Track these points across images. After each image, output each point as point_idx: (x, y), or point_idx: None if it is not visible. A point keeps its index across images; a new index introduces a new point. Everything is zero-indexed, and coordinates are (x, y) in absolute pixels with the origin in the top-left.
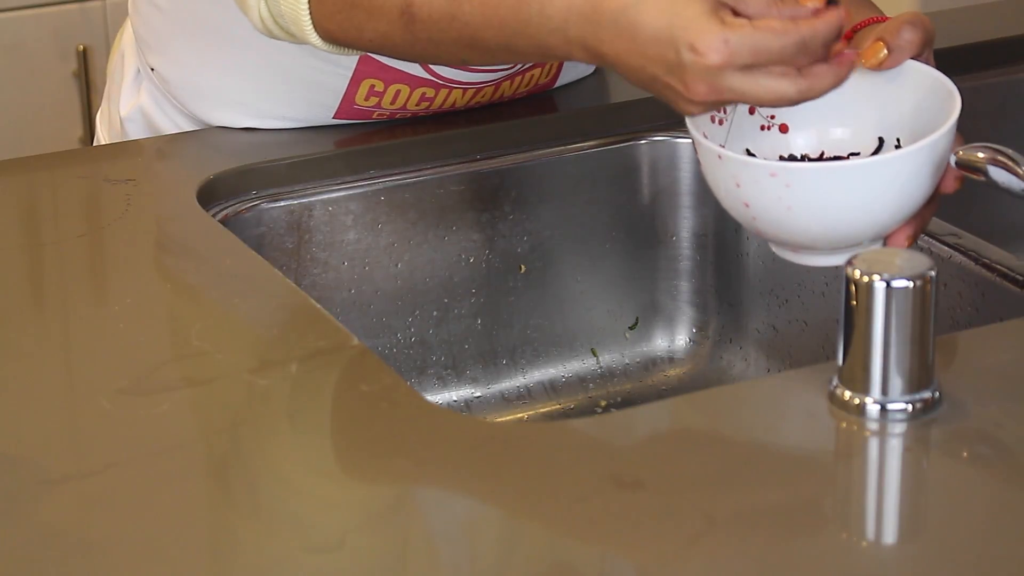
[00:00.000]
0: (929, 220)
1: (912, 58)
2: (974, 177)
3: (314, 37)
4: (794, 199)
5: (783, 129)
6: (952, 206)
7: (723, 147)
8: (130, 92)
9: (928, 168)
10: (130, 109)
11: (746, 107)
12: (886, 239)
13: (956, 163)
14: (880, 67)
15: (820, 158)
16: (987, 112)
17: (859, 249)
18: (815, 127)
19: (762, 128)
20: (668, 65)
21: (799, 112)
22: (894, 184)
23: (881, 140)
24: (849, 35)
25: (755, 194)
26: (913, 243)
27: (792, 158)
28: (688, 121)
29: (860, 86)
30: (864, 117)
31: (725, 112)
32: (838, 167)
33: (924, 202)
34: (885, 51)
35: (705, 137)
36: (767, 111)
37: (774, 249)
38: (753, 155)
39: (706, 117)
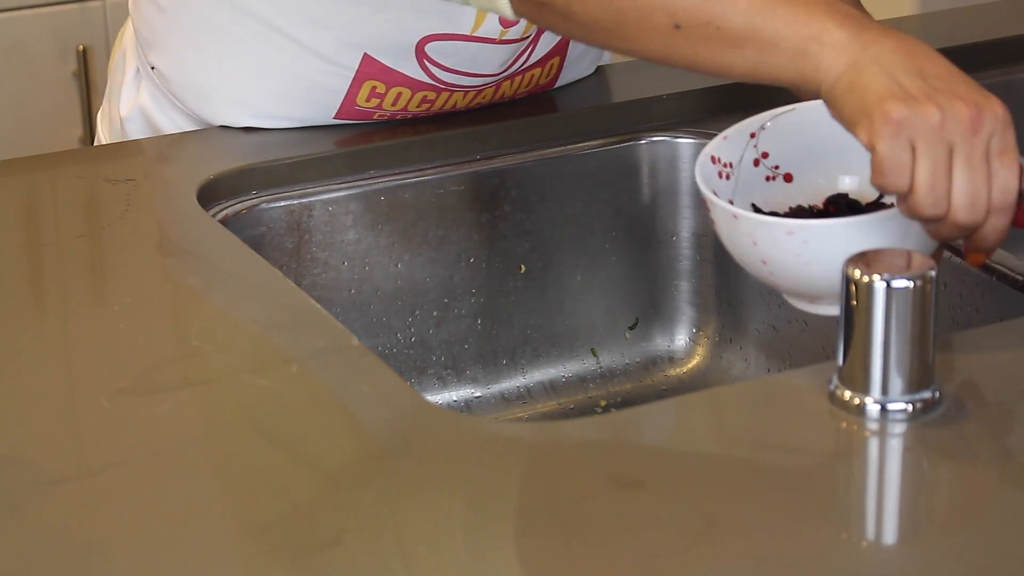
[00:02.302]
0: (940, 262)
1: None
2: None
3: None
4: (812, 255)
5: (788, 178)
6: None
7: (732, 202)
8: (130, 91)
9: None
10: (130, 108)
11: (751, 159)
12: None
13: None
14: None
15: (825, 208)
16: None
17: None
18: (821, 176)
19: (767, 179)
20: (944, 82)
21: (804, 160)
22: (907, 233)
23: None
24: None
25: (773, 252)
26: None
27: (800, 209)
28: (698, 176)
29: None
30: (867, 165)
31: (731, 167)
32: (855, 222)
33: (934, 248)
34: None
35: (716, 195)
36: (771, 162)
37: (790, 300)
38: (760, 209)
39: (714, 173)
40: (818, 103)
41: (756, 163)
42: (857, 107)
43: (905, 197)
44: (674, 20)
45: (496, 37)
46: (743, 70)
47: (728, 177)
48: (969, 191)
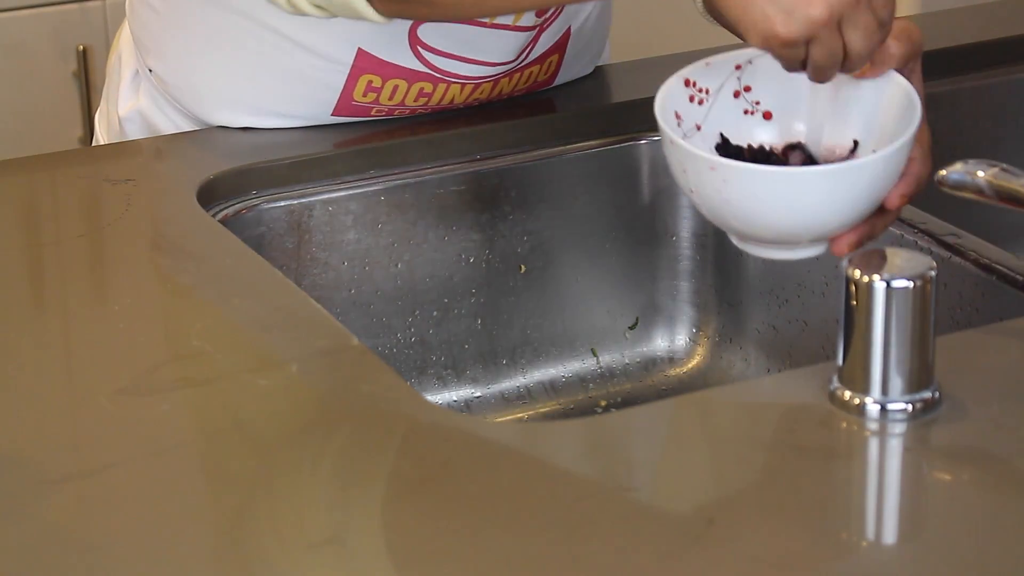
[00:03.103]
0: (880, 230)
1: (897, 70)
2: (977, 198)
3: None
4: (731, 194)
5: (767, 116)
6: (952, 206)
7: (699, 127)
8: (129, 93)
9: (866, 184)
10: (129, 110)
11: (732, 90)
12: (831, 243)
13: (950, 184)
14: (861, 76)
15: (783, 153)
16: (987, 112)
17: (801, 249)
18: (801, 120)
19: (745, 112)
20: None
21: (787, 102)
22: (825, 195)
23: (856, 143)
24: None
25: (698, 184)
26: (855, 249)
27: (760, 149)
28: (658, 102)
29: (849, 86)
30: (847, 117)
31: (707, 93)
32: (768, 172)
33: (864, 215)
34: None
35: (678, 118)
36: (753, 96)
37: (728, 234)
38: (727, 139)
39: (684, 96)
40: None
41: (736, 95)
42: (746, 20)
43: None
44: None
45: (511, 23)
46: None
47: (701, 103)
48: (865, 35)
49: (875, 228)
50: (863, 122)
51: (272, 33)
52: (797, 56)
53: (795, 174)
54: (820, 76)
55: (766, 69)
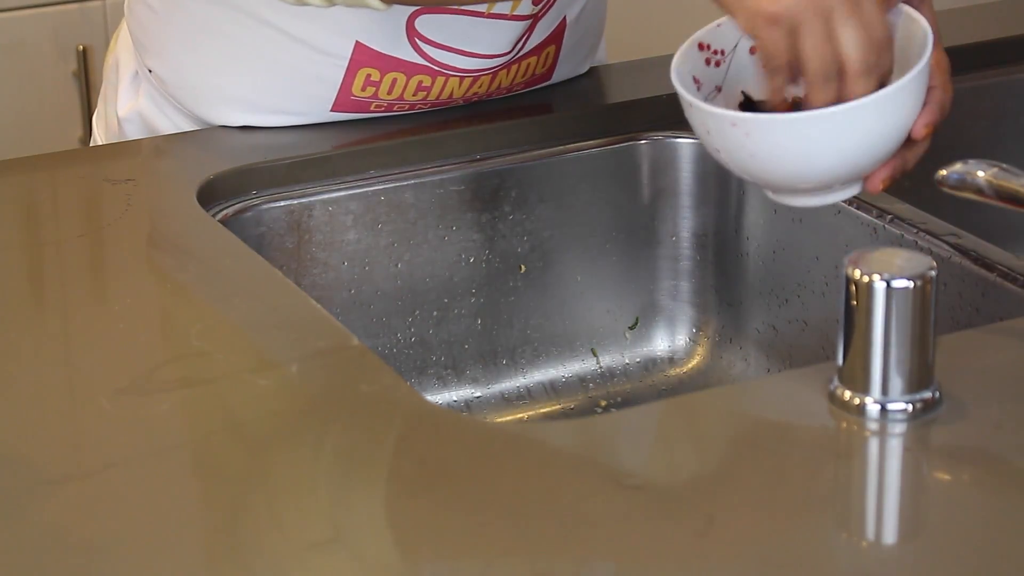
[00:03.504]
0: (912, 162)
1: (906, 1)
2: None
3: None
4: (756, 147)
5: None
6: (952, 206)
7: (720, 88)
8: (128, 94)
9: (890, 115)
10: (128, 111)
11: (747, 47)
12: (864, 181)
13: (950, 184)
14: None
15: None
16: (987, 112)
17: (836, 192)
18: None
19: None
20: None
21: None
22: (854, 132)
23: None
24: None
25: (721, 142)
26: (890, 184)
27: (783, 100)
28: (674, 67)
29: None
30: None
31: (723, 54)
32: (791, 119)
33: (892, 149)
34: None
35: (697, 83)
36: None
37: (761, 188)
38: (750, 97)
39: (701, 60)
40: None
41: (752, 51)
42: (734, 1)
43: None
44: None
45: (507, 12)
46: None
47: (718, 64)
48: (858, 39)
49: (907, 161)
50: None
51: (270, 28)
52: (780, 44)
53: (815, 117)
54: (818, 84)
55: None
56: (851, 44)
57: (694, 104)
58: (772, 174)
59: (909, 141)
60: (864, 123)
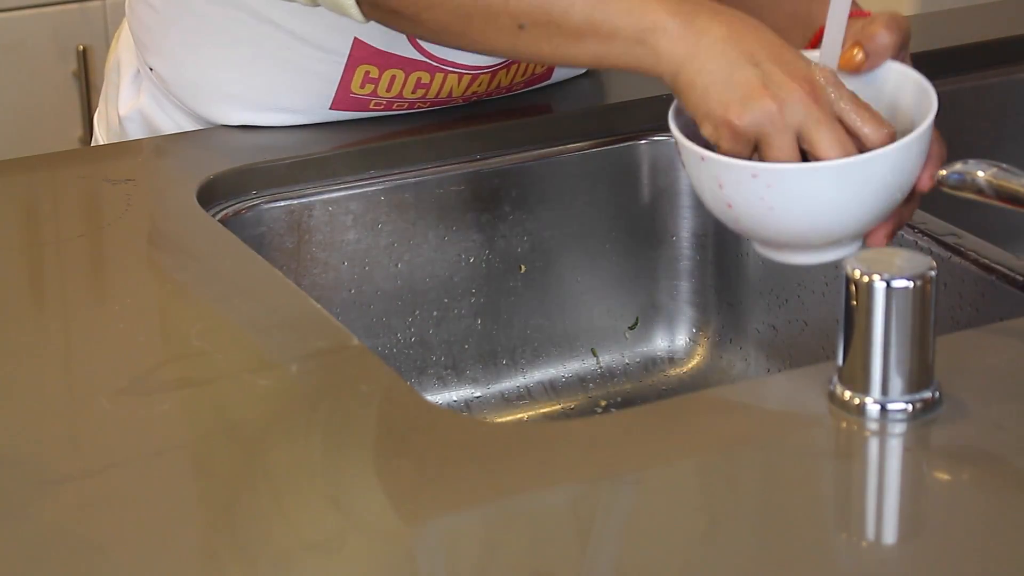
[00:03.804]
0: (908, 217)
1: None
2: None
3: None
4: (775, 199)
5: None
6: (952, 206)
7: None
8: (129, 93)
9: (905, 166)
10: (130, 110)
11: None
12: (866, 237)
13: (950, 184)
14: (857, 71)
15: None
16: (987, 112)
17: (841, 248)
18: None
19: None
20: (778, 59)
21: None
22: (872, 183)
23: None
24: (820, 32)
25: (737, 195)
26: (891, 240)
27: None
28: (671, 120)
29: (857, 85)
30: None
31: None
32: (818, 167)
33: (902, 200)
34: (861, 55)
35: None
36: None
37: (757, 248)
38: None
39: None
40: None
41: None
42: (701, 109)
43: None
44: (518, 22)
45: None
46: (588, 60)
47: None
48: (836, 144)
49: (903, 216)
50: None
51: (269, 25)
52: (745, 154)
53: (845, 165)
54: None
55: None
56: (831, 150)
57: (708, 157)
58: (785, 228)
59: (909, 195)
60: (888, 170)
